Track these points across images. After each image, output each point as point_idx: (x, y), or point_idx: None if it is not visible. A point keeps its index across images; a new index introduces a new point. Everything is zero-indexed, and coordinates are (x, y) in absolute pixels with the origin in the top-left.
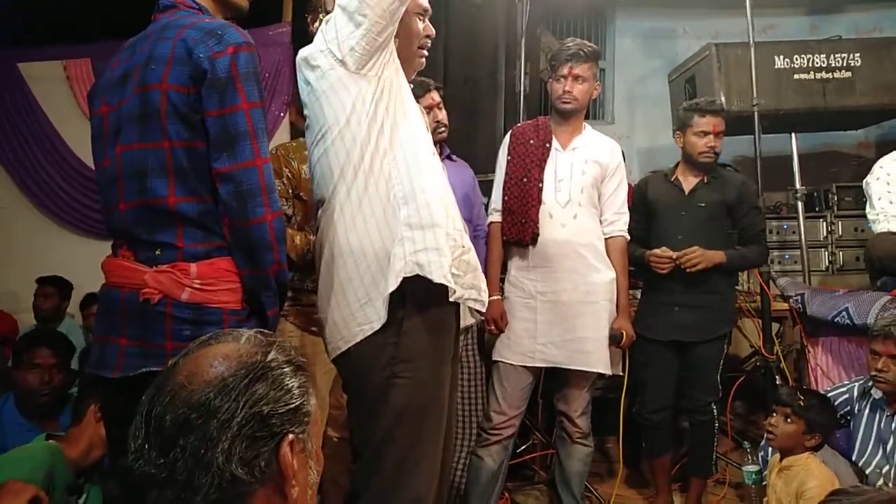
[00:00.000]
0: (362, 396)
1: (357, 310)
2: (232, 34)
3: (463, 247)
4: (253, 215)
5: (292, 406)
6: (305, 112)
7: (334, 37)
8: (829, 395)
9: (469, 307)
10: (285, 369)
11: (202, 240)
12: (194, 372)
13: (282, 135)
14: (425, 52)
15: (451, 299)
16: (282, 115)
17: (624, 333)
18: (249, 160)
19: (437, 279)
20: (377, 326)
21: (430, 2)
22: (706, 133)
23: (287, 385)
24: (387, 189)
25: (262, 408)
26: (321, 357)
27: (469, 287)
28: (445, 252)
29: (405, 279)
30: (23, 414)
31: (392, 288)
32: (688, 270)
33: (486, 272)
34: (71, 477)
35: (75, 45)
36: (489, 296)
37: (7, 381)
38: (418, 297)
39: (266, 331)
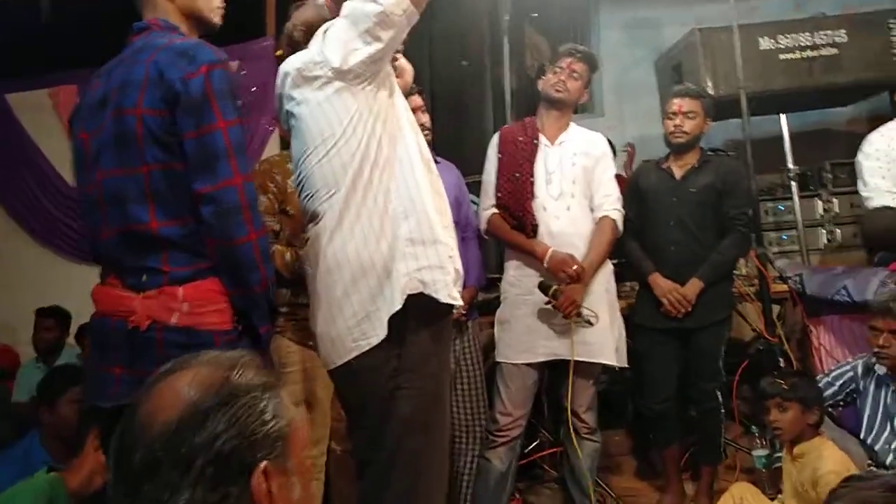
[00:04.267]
0: (366, 410)
1: (354, 325)
2: (204, 53)
3: (458, 255)
4: (236, 235)
5: (264, 432)
6: (291, 123)
7: (337, 49)
8: (833, 373)
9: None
10: (254, 393)
11: (188, 262)
12: (156, 408)
13: (272, 148)
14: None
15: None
16: (270, 128)
17: (557, 289)
18: (229, 179)
19: (443, 299)
20: (375, 342)
21: None
22: (675, 114)
23: (258, 409)
24: (385, 203)
25: (228, 445)
26: (321, 371)
27: (458, 297)
28: (449, 269)
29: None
30: (50, 451)
31: (398, 307)
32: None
33: (518, 244)
34: None
35: (61, 73)
36: (543, 254)
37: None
38: (419, 311)
39: (230, 351)
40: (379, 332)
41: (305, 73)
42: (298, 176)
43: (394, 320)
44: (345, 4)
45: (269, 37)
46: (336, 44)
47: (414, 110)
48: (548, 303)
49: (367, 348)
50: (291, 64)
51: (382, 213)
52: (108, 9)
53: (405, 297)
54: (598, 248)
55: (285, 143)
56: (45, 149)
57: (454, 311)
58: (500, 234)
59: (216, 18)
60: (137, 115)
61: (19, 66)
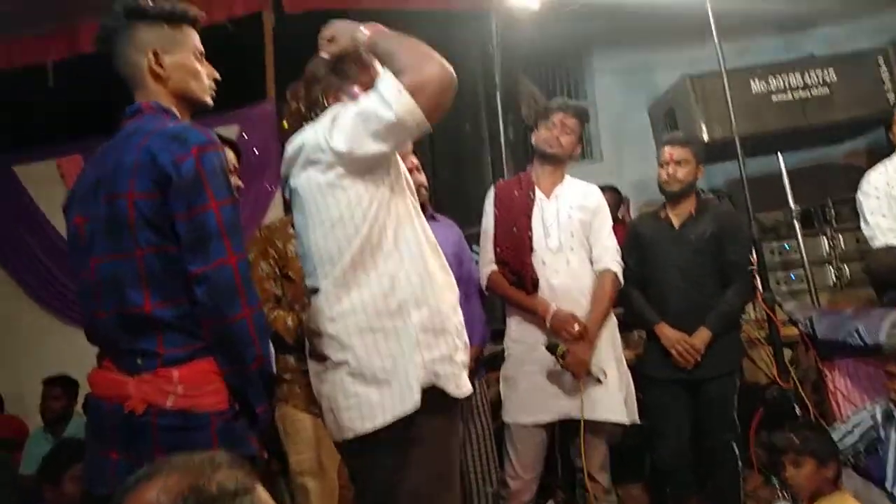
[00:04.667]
0: (374, 483)
1: (355, 405)
2: (194, 135)
3: (462, 335)
4: (230, 313)
5: None
6: (295, 198)
7: (344, 140)
8: (852, 420)
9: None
10: (225, 500)
11: (182, 343)
12: None
13: (275, 209)
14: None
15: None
16: (273, 188)
17: (564, 348)
18: (223, 258)
19: (451, 391)
20: (380, 425)
21: None
22: (666, 163)
23: None
24: (391, 288)
25: None
26: (327, 439)
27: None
28: (456, 359)
29: None
30: None
31: (414, 408)
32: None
33: (517, 301)
34: None
35: (66, 144)
36: (545, 311)
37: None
38: (429, 400)
39: (202, 454)
40: (386, 419)
41: (311, 155)
42: (301, 247)
43: None
44: (361, 97)
45: (270, 99)
46: (343, 135)
47: (411, 170)
48: (556, 364)
49: (371, 430)
50: (298, 141)
51: (389, 298)
52: (111, 78)
53: (420, 391)
54: (600, 303)
55: (287, 206)
56: (53, 218)
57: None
58: (501, 291)
59: (207, 98)
60: (129, 200)
61: (25, 137)
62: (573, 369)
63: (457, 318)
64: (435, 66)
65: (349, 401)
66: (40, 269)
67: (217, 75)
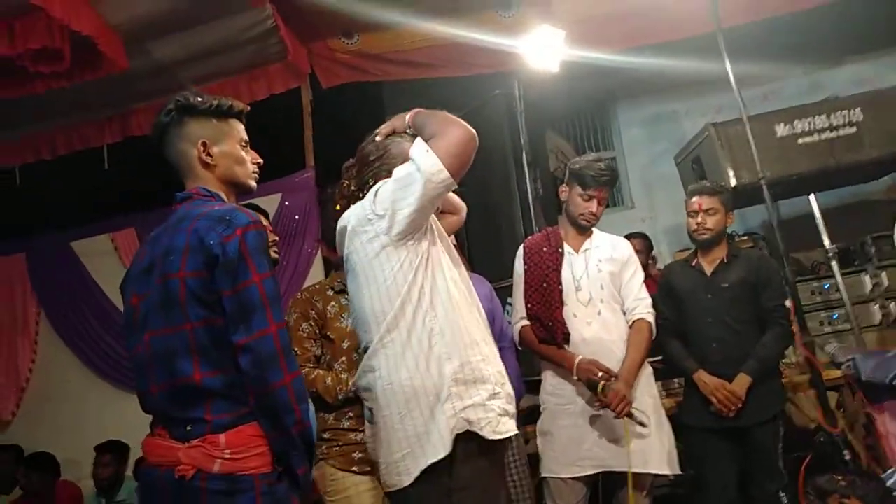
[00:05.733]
0: None
1: (399, 459)
2: (239, 218)
3: (507, 379)
4: (272, 380)
5: None
6: (347, 266)
7: (384, 209)
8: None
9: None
10: None
11: (228, 410)
12: None
13: (316, 270)
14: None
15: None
16: (312, 251)
17: (606, 384)
18: (265, 328)
19: (488, 436)
20: (407, 483)
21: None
22: (695, 213)
23: None
24: (429, 344)
25: None
26: (364, 497)
27: (513, 416)
28: (493, 407)
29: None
30: None
31: (444, 453)
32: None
33: (547, 355)
34: None
35: (119, 219)
36: (571, 364)
37: None
38: (468, 445)
39: None
40: (416, 472)
41: (358, 227)
42: (353, 310)
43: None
44: (396, 169)
45: (309, 167)
46: (384, 205)
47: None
48: (597, 402)
49: (407, 483)
50: (348, 217)
51: (428, 354)
52: (160, 159)
53: (453, 437)
54: (636, 348)
55: (328, 264)
56: (106, 289)
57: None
58: (531, 347)
59: (252, 182)
60: (181, 279)
61: (82, 215)
62: (614, 405)
63: (493, 368)
64: (457, 127)
65: (393, 455)
66: (94, 337)
67: (260, 160)
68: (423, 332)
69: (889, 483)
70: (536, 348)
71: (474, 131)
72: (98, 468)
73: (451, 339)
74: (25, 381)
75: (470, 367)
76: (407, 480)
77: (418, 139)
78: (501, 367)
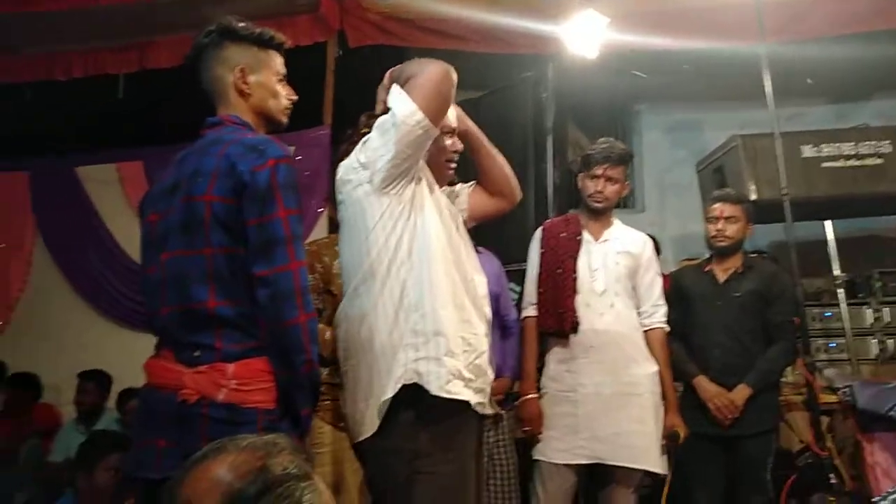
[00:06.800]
0: (386, 494)
1: (363, 409)
2: (273, 148)
3: (477, 350)
4: (287, 317)
5: None
6: (339, 214)
7: (368, 156)
8: (891, 496)
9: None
10: (291, 482)
11: (239, 340)
12: (195, 494)
13: (320, 229)
14: (453, 165)
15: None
16: (319, 210)
17: (680, 432)
18: (285, 264)
19: (433, 391)
20: (368, 434)
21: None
22: (716, 218)
23: (294, 498)
24: (401, 295)
25: None
26: (350, 453)
27: (478, 391)
28: (445, 362)
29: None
30: None
31: (390, 395)
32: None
33: (522, 368)
34: None
35: (129, 150)
36: (525, 394)
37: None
38: (420, 402)
39: (265, 436)
40: (374, 422)
41: (345, 177)
42: (342, 259)
43: (405, 405)
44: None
45: (326, 125)
46: (367, 153)
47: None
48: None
49: (364, 436)
50: (340, 168)
51: (397, 304)
52: (177, 93)
53: (398, 387)
54: (665, 364)
55: (333, 226)
56: (107, 219)
57: (476, 407)
58: (523, 341)
59: (283, 118)
60: (207, 202)
61: (90, 141)
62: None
63: (462, 330)
64: (430, 66)
65: (358, 405)
66: (90, 267)
67: (295, 97)
68: (395, 283)
69: None
70: (529, 343)
71: (450, 68)
72: (80, 394)
73: (422, 292)
74: (15, 300)
75: (431, 319)
76: (367, 431)
77: (394, 86)
78: (477, 333)
